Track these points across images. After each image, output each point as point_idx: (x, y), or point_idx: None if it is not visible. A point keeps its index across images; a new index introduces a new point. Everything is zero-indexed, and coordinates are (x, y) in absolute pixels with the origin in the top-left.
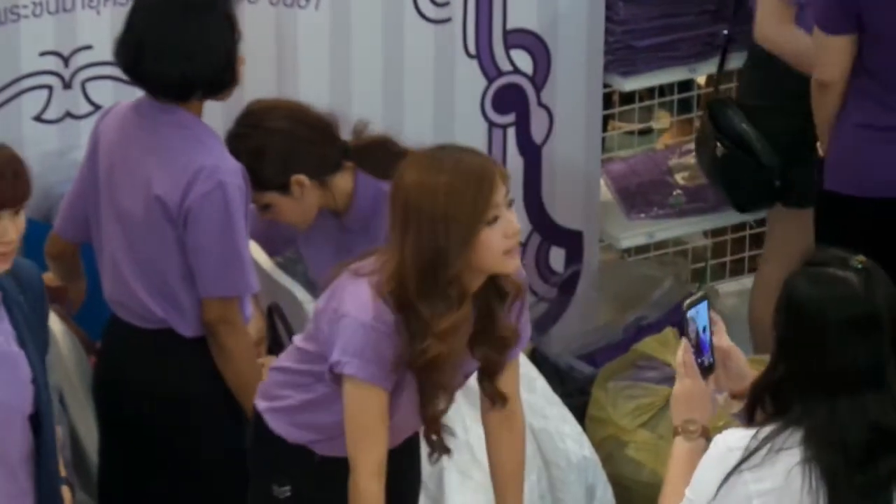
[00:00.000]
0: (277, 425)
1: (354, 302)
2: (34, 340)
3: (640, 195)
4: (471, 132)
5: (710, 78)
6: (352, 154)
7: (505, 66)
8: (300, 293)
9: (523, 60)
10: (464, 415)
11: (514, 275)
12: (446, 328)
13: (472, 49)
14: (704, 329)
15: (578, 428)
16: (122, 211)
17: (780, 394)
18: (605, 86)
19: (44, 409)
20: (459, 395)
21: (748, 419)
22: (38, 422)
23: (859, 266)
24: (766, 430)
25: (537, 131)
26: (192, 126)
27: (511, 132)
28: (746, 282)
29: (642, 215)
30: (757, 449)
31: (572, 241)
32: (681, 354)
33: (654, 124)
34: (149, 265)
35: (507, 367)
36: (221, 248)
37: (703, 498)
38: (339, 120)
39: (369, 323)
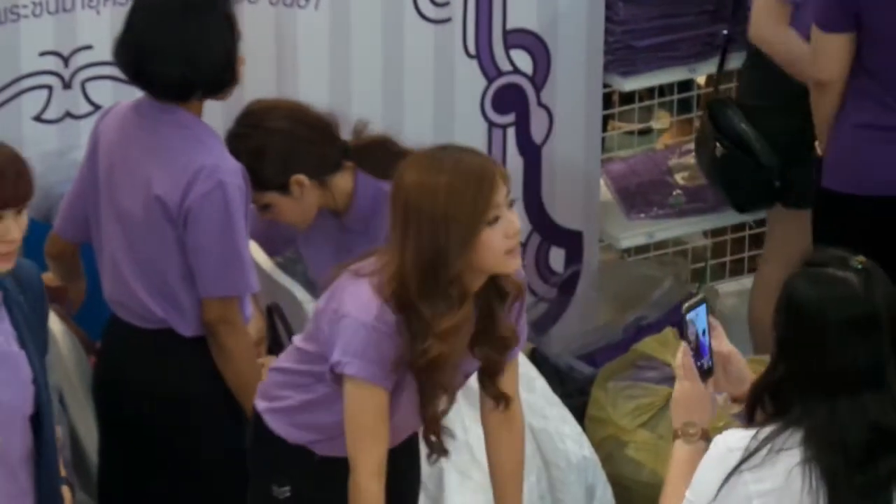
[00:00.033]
0: (277, 426)
1: (355, 302)
2: (34, 341)
3: (640, 195)
4: (470, 132)
5: (709, 78)
6: (352, 154)
7: (505, 66)
8: (300, 293)
9: (523, 60)
10: (463, 415)
11: (514, 275)
12: (448, 328)
13: (471, 49)
14: (703, 332)
15: (578, 428)
16: (122, 211)
17: (779, 394)
18: (605, 86)
19: (44, 409)
20: (459, 395)
21: (748, 420)
22: (39, 422)
23: (859, 266)
24: (767, 430)
25: (537, 131)
26: (192, 126)
27: (511, 132)
28: (746, 282)
29: (642, 215)
30: (757, 449)
31: (572, 241)
32: (680, 357)
33: (654, 124)
34: (149, 265)
35: (506, 368)
36: (221, 248)
37: (703, 498)
38: (338, 120)
39: (370, 323)
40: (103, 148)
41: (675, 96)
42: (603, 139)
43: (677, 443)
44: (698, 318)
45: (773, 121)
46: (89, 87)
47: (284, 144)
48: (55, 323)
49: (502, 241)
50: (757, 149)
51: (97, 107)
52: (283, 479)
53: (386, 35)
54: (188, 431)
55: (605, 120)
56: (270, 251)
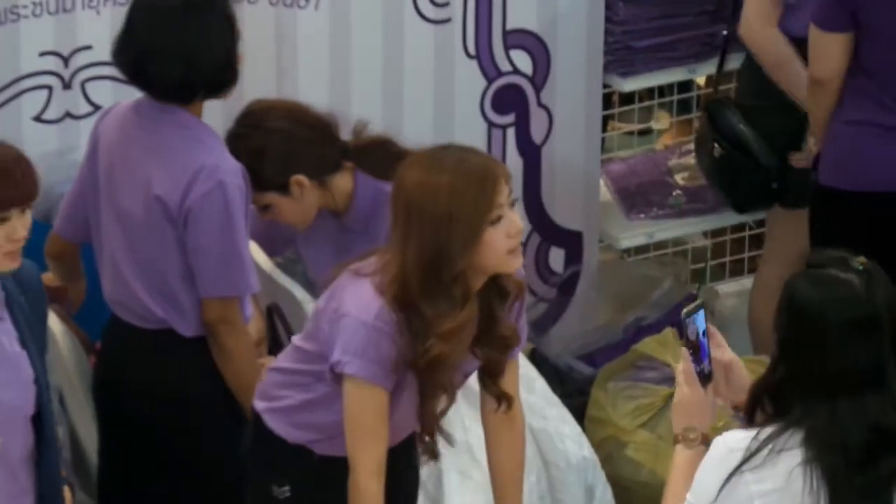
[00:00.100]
0: (277, 425)
1: (355, 301)
2: (35, 341)
3: (640, 195)
4: (470, 132)
5: (709, 78)
6: (351, 154)
7: (504, 66)
8: (299, 293)
9: (523, 61)
10: (463, 415)
11: (514, 274)
12: (451, 328)
13: (471, 49)
14: (703, 336)
15: (578, 428)
16: (122, 211)
17: (780, 395)
18: (605, 86)
19: (45, 409)
20: (459, 396)
21: (748, 420)
22: (40, 422)
23: (860, 267)
24: (767, 430)
25: (537, 132)
26: (192, 126)
27: (511, 132)
28: (746, 282)
29: (642, 216)
30: (758, 450)
31: (572, 242)
32: (680, 363)
33: (654, 125)
34: (149, 265)
35: (507, 368)
36: (221, 248)
37: (704, 500)
38: (338, 120)
39: (370, 322)
40: (103, 148)
41: (675, 97)
42: (603, 139)
43: (678, 448)
44: (697, 322)
45: (771, 121)
46: (89, 87)
47: (284, 145)
48: (55, 323)
49: (504, 241)
50: (755, 149)
51: (97, 107)
52: (283, 478)
53: (386, 35)
54: (188, 431)
55: (605, 120)
56: (270, 251)
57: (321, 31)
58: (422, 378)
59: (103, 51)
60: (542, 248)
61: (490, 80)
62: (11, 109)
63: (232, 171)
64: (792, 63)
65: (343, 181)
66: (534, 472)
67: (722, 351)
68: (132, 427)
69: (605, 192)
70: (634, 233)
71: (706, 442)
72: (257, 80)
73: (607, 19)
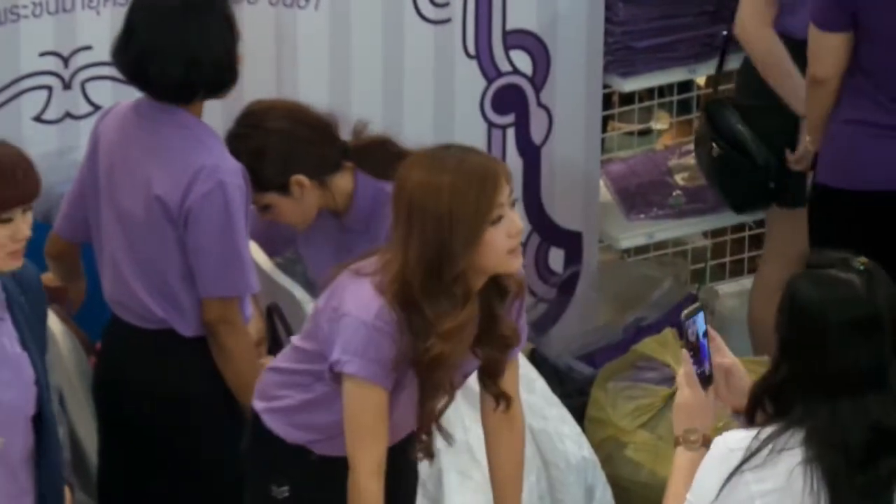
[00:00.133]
0: (276, 425)
1: (356, 301)
2: (35, 340)
3: (640, 196)
4: (470, 133)
5: (709, 79)
6: (351, 154)
7: (504, 66)
8: (299, 293)
9: (523, 61)
10: (463, 415)
11: (515, 273)
12: (452, 328)
13: (471, 49)
14: (703, 339)
15: (578, 429)
16: (122, 211)
17: (781, 395)
18: (605, 86)
19: (46, 409)
20: (459, 396)
21: (748, 420)
22: (40, 422)
23: (861, 268)
24: (768, 430)
25: (537, 132)
26: (192, 126)
27: (510, 133)
28: (746, 283)
29: (642, 216)
30: (758, 449)
31: (572, 242)
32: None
33: (654, 125)
34: (149, 265)
35: (507, 367)
36: (221, 248)
37: (704, 500)
38: (338, 120)
39: (371, 322)
40: (103, 148)
41: (675, 97)
42: (603, 140)
43: (679, 449)
44: (697, 324)
45: (769, 121)
46: (89, 87)
47: (284, 145)
48: (55, 323)
49: (505, 241)
50: (752, 149)
51: (97, 107)
52: (282, 478)
53: (386, 35)
54: (188, 431)
55: (605, 120)
56: (270, 252)
57: (321, 31)
58: (422, 377)
59: (103, 51)
60: (541, 249)
61: (490, 81)
62: (11, 109)
63: (232, 171)
64: (784, 65)
65: (343, 181)
66: (533, 472)
67: (722, 354)
68: (132, 427)
69: (604, 193)
70: (634, 233)
71: (707, 444)
72: (257, 80)
73: (607, 20)
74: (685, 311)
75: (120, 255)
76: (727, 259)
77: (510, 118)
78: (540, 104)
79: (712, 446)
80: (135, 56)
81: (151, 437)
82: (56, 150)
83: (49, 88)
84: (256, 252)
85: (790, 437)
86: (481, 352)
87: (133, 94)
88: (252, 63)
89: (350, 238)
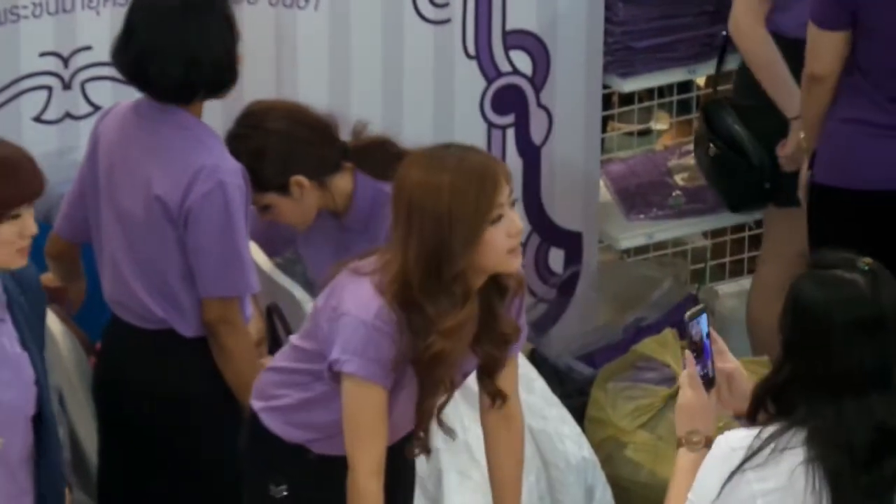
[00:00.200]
0: (274, 424)
1: (355, 300)
2: (35, 340)
3: (640, 196)
4: (470, 133)
5: (709, 79)
6: (351, 155)
7: (504, 66)
8: (299, 293)
9: (522, 61)
10: (462, 415)
11: (515, 273)
12: (452, 326)
13: (471, 50)
14: (706, 341)
15: (577, 429)
16: (122, 211)
17: (784, 395)
18: (605, 87)
19: (46, 409)
20: (458, 396)
21: (750, 420)
22: (40, 422)
23: (866, 268)
24: (770, 429)
25: (536, 132)
26: (192, 126)
27: (510, 133)
28: (746, 283)
29: (641, 216)
30: (760, 448)
31: (571, 242)
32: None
33: (654, 125)
34: (149, 265)
35: (506, 364)
36: (221, 248)
37: (705, 499)
38: (338, 121)
39: (370, 321)
40: (103, 148)
41: (675, 97)
42: (602, 140)
43: (681, 451)
44: (700, 325)
45: (766, 121)
46: (89, 87)
47: (284, 145)
48: (55, 323)
49: (504, 241)
50: (748, 149)
51: (97, 107)
52: (280, 477)
53: (386, 36)
54: (188, 431)
55: (605, 121)
56: (270, 252)
57: (321, 32)
58: (421, 375)
59: (103, 51)
60: (541, 249)
61: (490, 81)
62: (11, 110)
63: (232, 171)
64: (776, 65)
65: (343, 182)
66: (533, 472)
67: (724, 359)
68: (132, 427)
69: (604, 193)
70: (634, 233)
71: (709, 445)
72: (257, 81)
73: (607, 20)
74: (689, 313)
75: (120, 255)
76: (727, 259)
77: (510, 118)
78: (540, 104)
79: (714, 445)
80: (135, 56)
81: (151, 437)
82: (56, 150)
83: (49, 89)
84: (256, 252)
85: (792, 436)
86: (480, 349)
87: (133, 95)
88: (252, 63)
89: (349, 238)
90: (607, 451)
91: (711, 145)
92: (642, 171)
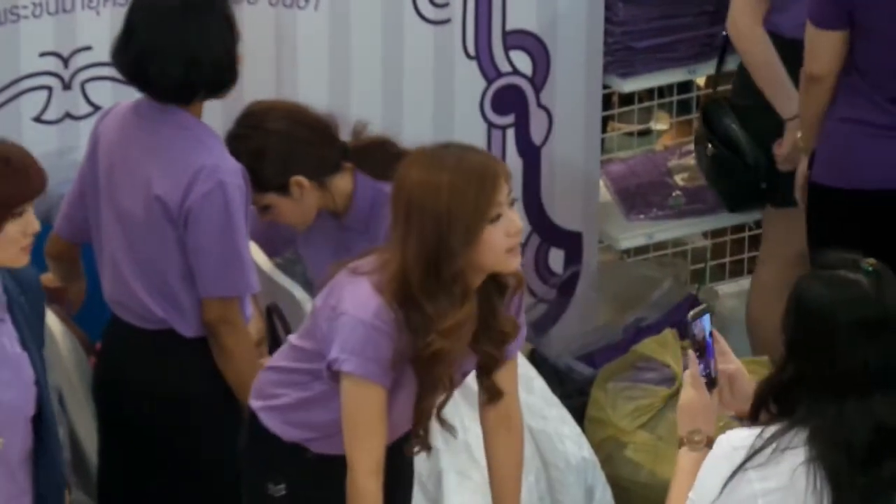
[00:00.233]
0: (273, 423)
1: (354, 300)
2: (35, 339)
3: (640, 196)
4: (470, 133)
5: (709, 79)
6: (351, 155)
7: (504, 67)
8: (299, 293)
9: (522, 61)
10: (462, 415)
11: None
12: (451, 325)
13: (471, 50)
14: (708, 341)
15: (577, 429)
16: (122, 211)
17: (786, 395)
18: (605, 87)
19: (46, 409)
20: (458, 396)
21: (752, 420)
22: (39, 422)
23: (870, 268)
24: (772, 429)
25: (536, 132)
26: (192, 126)
27: (510, 133)
28: (746, 283)
29: (641, 216)
30: (762, 448)
31: (571, 242)
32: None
33: (654, 125)
34: (149, 265)
35: (505, 361)
36: (221, 248)
37: (706, 498)
38: (338, 121)
39: (369, 321)
40: (103, 148)
41: (675, 97)
42: (602, 140)
43: (682, 450)
44: (703, 325)
45: (764, 121)
46: (89, 87)
47: (284, 146)
48: (55, 323)
49: (503, 240)
50: (744, 149)
51: (97, 107)
52: (279, 477)
53: (385, 36)
54: (188, 431)
55: (605, 121)
56: (270, 252)
57: (321, 32)
58: (420, 374)
59: (103, 51)
60: (541, 249)
61: (490, 81)
62: (11, 110)
63: (232, 171)
64: (773, 66)
65: (343, 182)
66: (533, 472)
67: (726, 360)
68: (132, 427)
69: (604, 193)
70: (634, 233)
71: (711, 444)
72: (257, 81)
73: (607, 20)
74: (692, 312)
75: (120, 255)
76: (727, 259)
77: (510, 119)
78: (540, 105)
79: (715, 444)
80: (135, 56)
81: (151, 437)
82: (56, 151)
83: (49, 89)
84: (256, 252)
85: (794, 436)
86: (479, 347)
87: (133, 95)
88: (252, 63)
89: (349, 238)
90: (607, 451)
91: (709, 145)
92: (642, 172)
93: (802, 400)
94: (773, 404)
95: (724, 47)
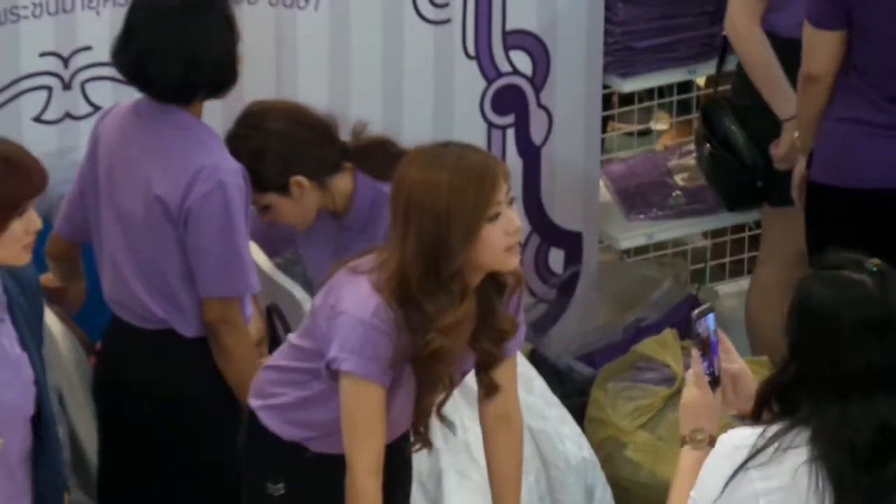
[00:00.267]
0: (272, 422)
1: (353, 299)
2: (34, 339)
3: (640, 196)
4: (470, 133)
5: (709, 79)
6: (351, 155)
7: (504, 67)
8: (299, 293)
9: (522, 61)
10: (462, 415)
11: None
12: (450, 323)
13: (471, 50)
14: (713, 340)
15: (577, 429)
16: (122, 211)
17: (789, 395)
18: (605, 87)
19: (45, 409)
20: (458, 396)
21: (755, 419)
22: (39, 422)
23: (874, 269)
24: (774, 428)
25: (537, 132)
26: (192, 126)
27: (510, 133)
28: (745, 283)
29: (641, 216)
30: (764, 447)
31: (571, 242)
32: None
33: (654, 125)
34: (149, 265)
35: (503, 359)
36: (221, 248)
37: (708, 496)
38: (338, 121)
39: (367, 320)
40: (103, 148)
41: (675, 97)
42: (602, 140)
43: (685, 448)
44: (708, 325)
45: (762, 121)
46: (89, 87)
47: (284, 146)
48: (55, 323)
49: (502, 239)
50: (740, 148)
51: (97, 108)
52: (278, 475)
53: (385, 36)
54: (188, 431)
55: (605, 121)
56: (270, 252)
57: (321, 32)
58: (420, 373)
59: (103, 51)
60: (541, 249)
61: (490, 81)
62: (11, 110)
63: (232, 171)
64: (771, 66)
65: (342, 182)
66: (533, 472)
67: (731, 359)
68: (132, 427)
69: (604, 193)
70: (634, 233)
71: (713, 443)
72: (257, 81)
73: (607, 20)
74: (696, 311)
75: (120, 255)
76: (727, 259)
77: (510, 119)
78: (540, 105)
79: (717, 443)
80: (135, 56)
81: (151, 437)
82: (56, 151)
83: (49, 89)
84: (256, 252)
85: (796, 435)
86: (478, 345)
87: (133, 95)
88: (252, 63)
89: (349, 238)
90: (607, 451)
91: (708, 144)
92: (642, 172)
93: (805, 399)
94: (775, 404)
95: (725, 47)
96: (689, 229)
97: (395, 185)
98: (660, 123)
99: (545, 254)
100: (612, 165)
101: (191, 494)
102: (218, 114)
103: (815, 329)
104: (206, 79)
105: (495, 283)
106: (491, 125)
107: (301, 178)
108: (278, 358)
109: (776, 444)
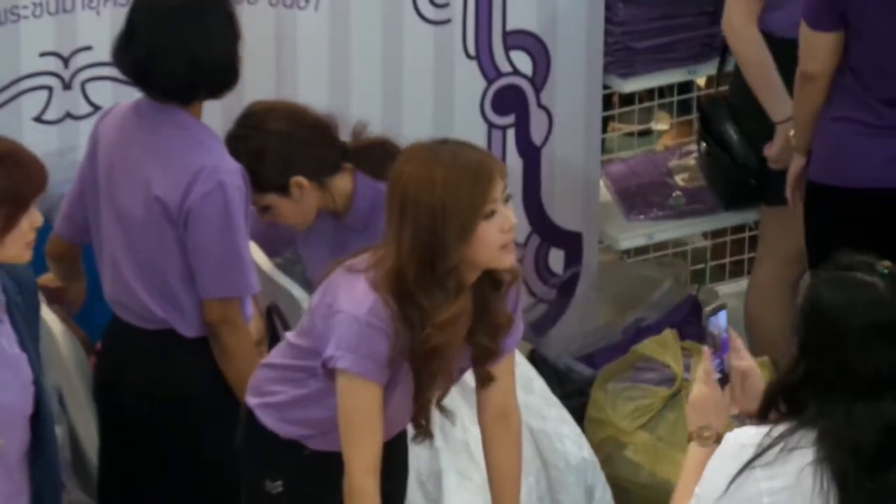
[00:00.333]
0: (269, 420)
1: (349, 297)
2: (32, 338)
3: (640, 196)
4: (470, 133)
5: (709, 79)
6: (351, 155)
7: (504, 67)
8: (299, 293)
9: (523, 62)
10: (462, 415)
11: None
12: (446, 319)
13: (471, 50)
14: (724, 336)
15: (577, 429)
16: (122, 211)
17: (796, 395)
18: (605, 87)
19: (44, 408)
20: (457, 396)
21: (761, 418)
22: (37, 422)
23: (885, 271)
24: (780, 428)
25: (537, 132)
26: (191, 127)
27: (510, 133)
28: (745, 283)
29: (642, 216)
30: (770, 446)
31: (571, 243)
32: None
33: (654, 126)
34: (149, 265)
35: (501, 355)
36: (222, 249)
37: (712, 494)
38: (338, 121)
39: (364, 318)
40: (103, 148)
41: (675, 98)
42: (603, 140)
43: (691, 445)
44: (719, 322)
45: (760, 121)
46: (89, 87)
47: (284, 146)
48: (55, 323)
49: (497, 236)
50: (735, 147)
51: (97, 107)
52: (276, 473)
53: (385, 36)
54: (188, 431)
55: (605, 121)
56: (270, 252)
57: (321, 32)
58: (417, 370)
59: (103, 51)
60: (541, 250)
61: (490, 81)
62: (11, 110)
63: (232, 171)
64: (766, 68)
65: (342, 182)
66: (532, 472)
67: (740, 357)
68: (132, 427)
69: (604, 193)
70: (634, 234)
71: (720, 441)
72: (257, 81)
73: (607, 20)
74: (708, 308)
75: (120, 255)
76: (727, 260)
77: (510, 119)
78: (540, 105)
79: (723, 441)
80: (135, 56)
81: (151, 437)
82: (56, 151)
83: (49, 89)
84: (256, 252)
85: (802, 436)
86: (475, 340)
87: (133, 94)
88: (252, 63)
89: (349, 238)
90: (607, 451)
91: (704, 143)
92: (642, 172)
93: (812, 400)
94: (782, 403)
95: (725, 47)
96: (690, 230)
97: (391, 182)
98: (660, 124)
99: (545, 254)
100: (612, 166)
101: (191, 494)
102: (218, 114)
103: (825, 331)
104: (206, 79)
105: (491, 279)
106: (491, 125)
107: (301, 179)
108: (276, 356)
109: (782, 444)
